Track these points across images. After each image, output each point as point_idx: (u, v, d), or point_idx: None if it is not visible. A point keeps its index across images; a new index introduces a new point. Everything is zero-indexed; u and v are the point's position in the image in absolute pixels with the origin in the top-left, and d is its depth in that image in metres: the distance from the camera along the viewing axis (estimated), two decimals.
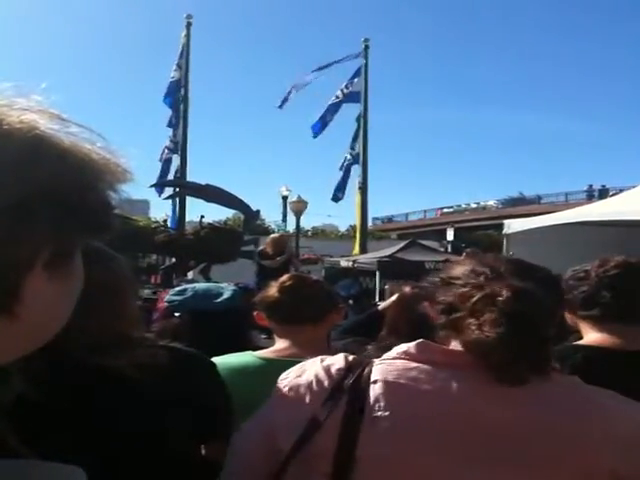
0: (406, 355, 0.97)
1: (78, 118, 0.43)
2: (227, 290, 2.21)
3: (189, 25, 18.70)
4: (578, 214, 8.31)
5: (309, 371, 1.01)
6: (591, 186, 39.83)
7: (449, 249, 21.91)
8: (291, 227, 23.31)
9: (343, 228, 46.64)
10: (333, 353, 1.81)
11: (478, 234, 38.73)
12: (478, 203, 46.73)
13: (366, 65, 18.34)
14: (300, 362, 1.72)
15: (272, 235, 9.40)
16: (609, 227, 7.53)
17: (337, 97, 18.15)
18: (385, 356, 1.00)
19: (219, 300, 2.13)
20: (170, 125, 18.49)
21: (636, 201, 7.33)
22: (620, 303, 1.57)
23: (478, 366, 0.92)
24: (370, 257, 14.63)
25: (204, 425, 1.30)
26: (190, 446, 1.28)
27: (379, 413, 0.92)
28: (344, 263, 14.77)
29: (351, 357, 1.02)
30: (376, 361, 0.99)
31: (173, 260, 12.16)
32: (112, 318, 1.12)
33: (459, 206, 47.76)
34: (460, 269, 1.06)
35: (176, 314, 2.15)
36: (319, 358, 1.04)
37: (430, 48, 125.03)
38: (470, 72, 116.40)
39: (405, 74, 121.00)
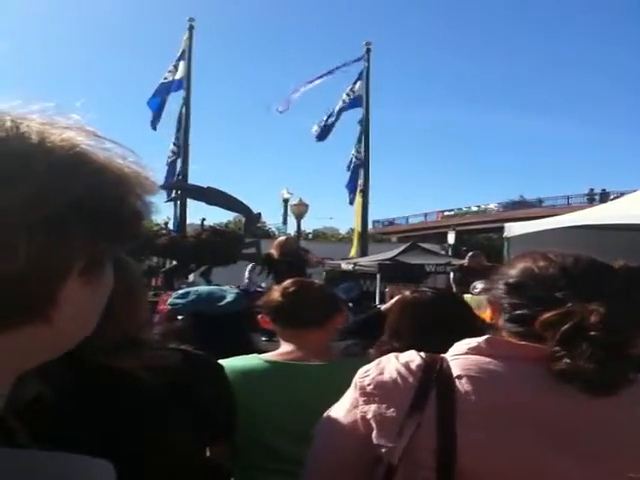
0: (477, 350, 1.01)
1: (86, 117, 0.45)
2: (230, 293, 2.22)
3: (191, 28, 18.74)
4: (579, 218, 8.33)
5: (389, 368, 1.03)
6: (592, 189, 39.81)
7: (450, 252, 21.92)
8: (292, 230, 23.33)
9: (344, 231, 46.68)
10: (335, 355, 1.85)
11: (479, 237, 38.76)
12: (479, 206, 46.65)
13: (368, 68, 18.39)
14: (304, 365, 1.76)
15: (279, 238, 9.39)
16: (610, 231, 7.54)
17: (343, 102, 18.21)
18: (455, 352, 1.04)
19: (222, 303, 2.14)
20: (153, 127, 18.48)
21: (637, 205, 7.34)
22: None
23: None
24: (371, 260, 14.63)
25: (210, 427, 1.32)
26: (196, 448, 1.30)
27: (471, 406, 0.95)
28: (345, 266, 14.78)
29: (423, 353, 1.05)
30: (448, 357, 1.03)
31: (174, 263, 12.17)
32: (125, 321, 1.14)
33: (460, 209, 47.70)
34: (527, 273, 1.07)
35: (179, 317, 2.17)
36: (393, 355, 1.06)
37: (431, 50, 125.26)
38: (471, 75, 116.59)
39: (406, 76, 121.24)
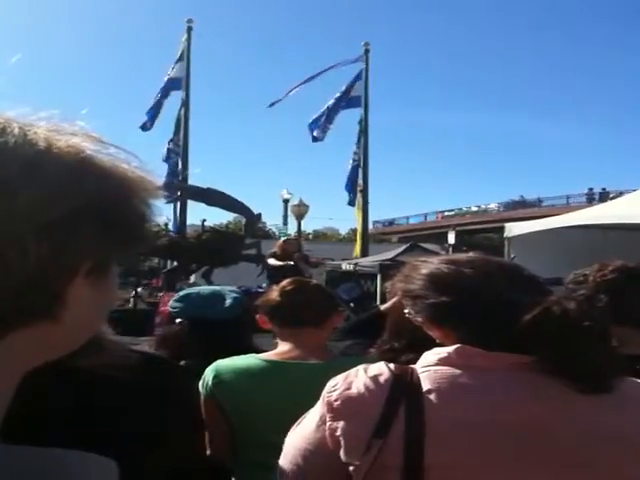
0: (447, 361, 0.98)
1: (91, 124, 0.47)
2: (230, 295, 2.20)
3: (190, 29, 18.76)
4: (579, 217, 8.33)
5: (356, 383, 0.99)
6: (591, 189, 39.77)
7: (450, 252, 21.90)
8: (292, 230, 23.33)
9: (344, 231, 46.71)
10: (333, 354, 1.85)
11: (479, 237, 38.74)
12: (479, 206, 46.64)
13: (366, 69, 18.39)
14: (302, 364, 1.77)
15: (282, 239, 9.52)
16: (610, 230, 7.55)
17: (335, 100, 18.17)
18: (425, 362, 1.01)
19: (220, 307, 2.11)
20: (144, 129, 18.55)
21: (636, 205, 7.35)
22: (616, 307, 1.59)
23: (531, 369, 0.94)
24: (371, 260, 14.63)
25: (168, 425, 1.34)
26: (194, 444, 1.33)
27: (440, 423, 0.93)
28: (345, 266, 14.77)
29: (392, 365, 1.02)
30: (418, 368, 1.00)
31: (175, 264, 12.18)
32: None
33: (460, 209, 47.67)
34: (459, 284, 1.06)
35: (177, 320, 2.15)
36: (361, 368, 1.03)
37: (430, 52, 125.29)
38: (471, 75, 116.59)
39: (406, 77, 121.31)
